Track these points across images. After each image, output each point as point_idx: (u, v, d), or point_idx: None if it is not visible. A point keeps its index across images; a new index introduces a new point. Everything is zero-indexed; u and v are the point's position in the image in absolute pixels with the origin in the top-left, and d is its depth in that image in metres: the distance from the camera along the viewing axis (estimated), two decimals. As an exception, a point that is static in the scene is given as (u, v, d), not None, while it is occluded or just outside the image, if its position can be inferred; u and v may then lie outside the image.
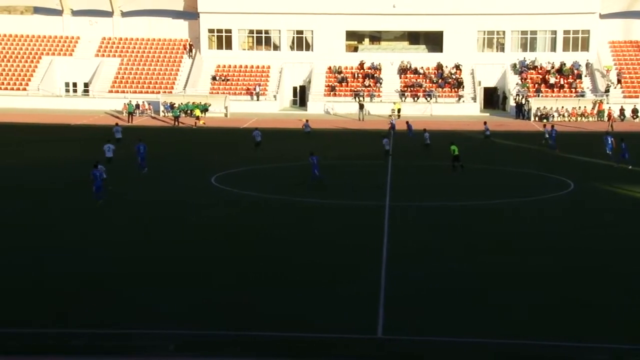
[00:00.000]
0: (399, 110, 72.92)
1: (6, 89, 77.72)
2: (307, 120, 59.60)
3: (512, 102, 75.96)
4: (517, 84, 77.94)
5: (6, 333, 17.49)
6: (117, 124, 53.27)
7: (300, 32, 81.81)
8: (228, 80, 79.17)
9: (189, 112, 70.29)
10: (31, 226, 28.13)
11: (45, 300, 19.93)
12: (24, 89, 77.73)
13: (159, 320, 18.47)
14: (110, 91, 77.75)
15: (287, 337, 17.67)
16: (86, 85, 79.56)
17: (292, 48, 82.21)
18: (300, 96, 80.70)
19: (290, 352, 16.97)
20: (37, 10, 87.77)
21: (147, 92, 76.73)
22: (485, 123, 57.32)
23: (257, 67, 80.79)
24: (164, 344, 17.04)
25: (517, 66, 79.71)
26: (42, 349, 16.67)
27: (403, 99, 76.71)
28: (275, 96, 77.74)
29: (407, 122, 58.37)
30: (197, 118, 66.32)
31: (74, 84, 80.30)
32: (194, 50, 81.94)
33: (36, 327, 17.84)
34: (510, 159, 46.89)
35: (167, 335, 17.50)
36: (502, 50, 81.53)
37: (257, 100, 76.97)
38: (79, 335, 17.40)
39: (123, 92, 76.99)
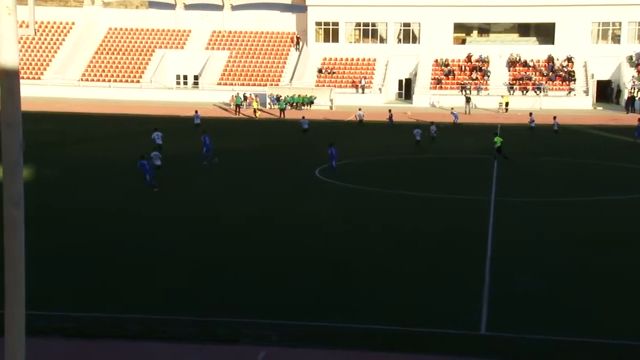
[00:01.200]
0: (506, 104, 71.64)
1: (121, 81, 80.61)
2: (359, 109, 62.64)
3: (626, 96, 73.33)
4: (632, 77, 75.13)
5: (126, 318, 18.21)
6: (196, 111, 55.12)
7: (407, 24, 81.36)
8: (334, 73, 79.58)
9: (295, 104, 71.27)
10: (142, 213, 29.12)
11: (158, 286, 20.62)
12: (137, 82, 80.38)
13: (262, 310, 18.83)
14: (219, 83, 79.45)
15: (388, 330, 17.69)
16: (196, 77, 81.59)
17: (399, 41, 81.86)
18: (406, 89, 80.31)
19: (392, 345, 16.97)
20: (152, 4, 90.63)
21: (254, 85, 78.05)
22: (531, 115, 56.51)
23: (363, 59, 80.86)
24: (266, 333, 17.34)
25: (634, 58, 76.80)
26: (151, 335, 17.25)
27: (511, 92, 75.25)
28: (380, 89, 77.66)
29: (389, 110, 61.48)
30: (255, 110, 66.84)
31: (185, 77, 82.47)
32: (301, 43, 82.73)
33: (147, 313, 18.48)
34: (618, 154, 45.37)
35: (270, 325, 17.80)
36: (618, 42, 78.77)
37: (362, 93, 77.08)
38: (190, 323, 17.93)
39: (231, 84, 78.54)
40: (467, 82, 76.64)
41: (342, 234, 26.45)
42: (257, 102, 67.88)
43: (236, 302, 19.33)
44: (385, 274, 21.90)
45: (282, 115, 66.59)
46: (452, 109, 64.51)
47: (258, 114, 66.55)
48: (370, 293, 20.19)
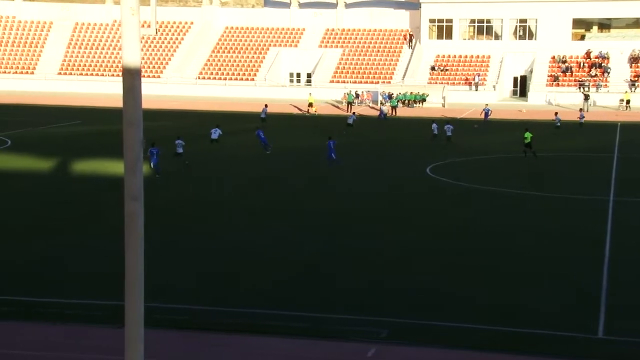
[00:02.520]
0: (627, 102, 69.00)
1: (236, 79, 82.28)
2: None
3: None
4: None
5: (237, 312, 18.61)
6: (266, 105, 57.42)
7: (523, 20, 79.60)
8: (447, 70, 78.70)
9: (407, 102, 70.90)
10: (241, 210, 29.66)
11: (262, 283, 20.95)
12: (252, 79, 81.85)
13: (372, 307, 18.84)
14: (332, 81, 79.91)
15: (502, 331, 17.40)
16: (309, 75, 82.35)
17: (514, 37, 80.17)
18: (521, 86, 78.55)
19: (506, 346, 16.68)
20: (267, 3, 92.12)
21: (366, 82, 78.09)
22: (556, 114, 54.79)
23: (477, 56, 79.60)
24: (376, 330, 17.35)
25: None
26: (261, 329, 17.55)
27: (633, 89, 72.40)
28: (494, 86, 76.26)
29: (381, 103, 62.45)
30: (310, 105, 66.20)
31: (298, 75, 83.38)
32: (413, 41, 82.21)
33: (255, 308, 18.81)
34: None
35: (380, 323, 17.79)
36: None
37: (476, 90, 75.89)
38: (299, 318, 18.14)
39: (343, 82, 78.85)
40: (585, 79, 74.25)
41: (454, 232, 26.13)
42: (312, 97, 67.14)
43: (346, 299, 19.42)
44: (500, 274, 21.52)
45: (394, 113, 66.36)
46: (487, 105, 61.88)
47: (314, 108, 65.95)
48: (485, 293, 19.89)
